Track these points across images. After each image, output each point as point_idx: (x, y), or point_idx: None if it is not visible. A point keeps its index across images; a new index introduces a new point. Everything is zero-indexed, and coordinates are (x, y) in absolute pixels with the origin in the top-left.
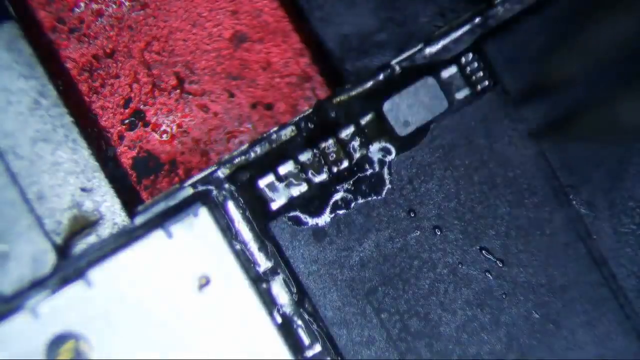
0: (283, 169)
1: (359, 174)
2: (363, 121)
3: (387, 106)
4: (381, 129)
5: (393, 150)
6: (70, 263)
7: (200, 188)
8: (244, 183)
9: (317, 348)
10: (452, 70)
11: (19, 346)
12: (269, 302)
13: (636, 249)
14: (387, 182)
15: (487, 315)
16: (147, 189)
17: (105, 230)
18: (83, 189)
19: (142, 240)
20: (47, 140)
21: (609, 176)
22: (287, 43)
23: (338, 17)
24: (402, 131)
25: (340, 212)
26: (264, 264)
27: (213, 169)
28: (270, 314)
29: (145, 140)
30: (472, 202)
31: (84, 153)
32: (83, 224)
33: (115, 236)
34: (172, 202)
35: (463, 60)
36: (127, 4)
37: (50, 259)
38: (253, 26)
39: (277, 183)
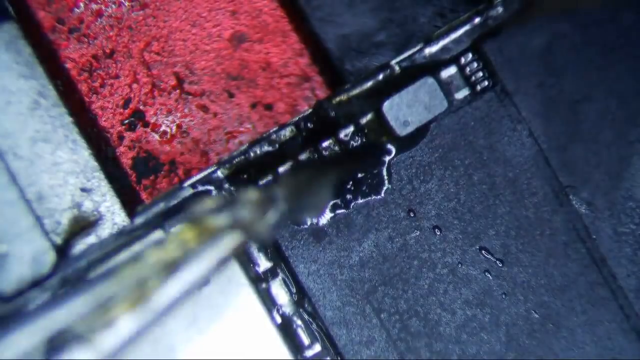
0: (283, 169)
1: (358, 174)
2: (362, 121)
3: (386, 106)
4: (381, 128)
5: (392, 150)
6: (69, 263)
7: (200, 188)
8: (244, 183)
9: (317, 348)
10: (452, 70)
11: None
12: (268, 302)
13: (636, 249)
14: (387, 182)
15: (487, 315)
16: (147, 189)
17: (104, 231)
18: (83, 189)
19: (142, 241)
20: (46, 140)
21: (609, 176)
22: (286, 43)
23: (338, 17)
24: (401, 131)
25: (340, 212)
26: (263, 263)
27: (213, 169)
28: (270, 313)
29: (144, 141)
30: (471, 202)
31: (84, 153)
32: (83, 224)
33: (115, 236)
34: (172, 202)
35: (463, 60)
36: (126, 4)
37: (49, 259)
38: (252, 26)
39: None
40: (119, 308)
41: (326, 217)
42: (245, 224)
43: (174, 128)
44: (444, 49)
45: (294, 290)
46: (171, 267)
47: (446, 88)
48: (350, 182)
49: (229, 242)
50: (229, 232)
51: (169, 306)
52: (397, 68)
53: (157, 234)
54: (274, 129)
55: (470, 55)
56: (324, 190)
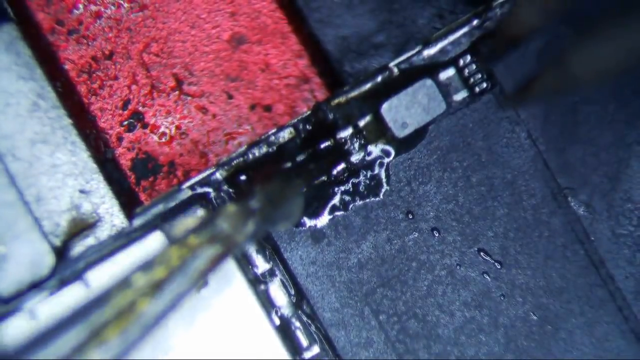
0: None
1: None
2: (361, 123)
3: (385, 108)
4: (379, 130)
5: (391, 151)
6: (68, 265)
7: (199, 190)
8: (243, 184)
9: (315, 350)
10: (450, 72)
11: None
12: (266, 303)
13: (634, 251)
14: (385, 183)
15: (485, 316)
16: (146, 190)
17: (103, 232)
18: (81, 191)
19: (140, 242)
20: (45, 142)
21: (607, 178)
22: (285, 45)
23: (336, 19)
24: (400, 133)
25: (339, 213)
26: (261, 265)
27: (211, 170)
28: (268, 315)
29: (144, 142)
30: (470, 204)
31: (83, 155)
32: (81, 226)
33: (113, 238)
34: (170, 203)
35: (461, 62)
36: (125, 5)
37: (48, 260)
38: (252, 28)
39: None
40: (110, 330)
41: (325, 219)
42: (224, 237)
43: (173, 129)
44: (442, 50)
45: (292, 291)
46: (157, 287)
47: (445, 90)
48: (349, 185)
49: (210, 256)
50: (210, 246)
51: (156, 323)
52: (395, 70)
53: (156, 236)
54: (273, 130)
55: (468, 57)
56: (298, 198)
